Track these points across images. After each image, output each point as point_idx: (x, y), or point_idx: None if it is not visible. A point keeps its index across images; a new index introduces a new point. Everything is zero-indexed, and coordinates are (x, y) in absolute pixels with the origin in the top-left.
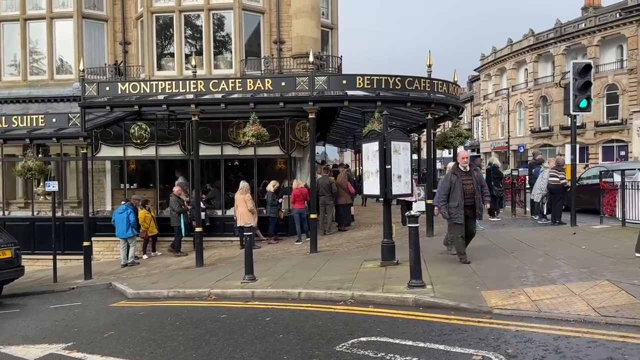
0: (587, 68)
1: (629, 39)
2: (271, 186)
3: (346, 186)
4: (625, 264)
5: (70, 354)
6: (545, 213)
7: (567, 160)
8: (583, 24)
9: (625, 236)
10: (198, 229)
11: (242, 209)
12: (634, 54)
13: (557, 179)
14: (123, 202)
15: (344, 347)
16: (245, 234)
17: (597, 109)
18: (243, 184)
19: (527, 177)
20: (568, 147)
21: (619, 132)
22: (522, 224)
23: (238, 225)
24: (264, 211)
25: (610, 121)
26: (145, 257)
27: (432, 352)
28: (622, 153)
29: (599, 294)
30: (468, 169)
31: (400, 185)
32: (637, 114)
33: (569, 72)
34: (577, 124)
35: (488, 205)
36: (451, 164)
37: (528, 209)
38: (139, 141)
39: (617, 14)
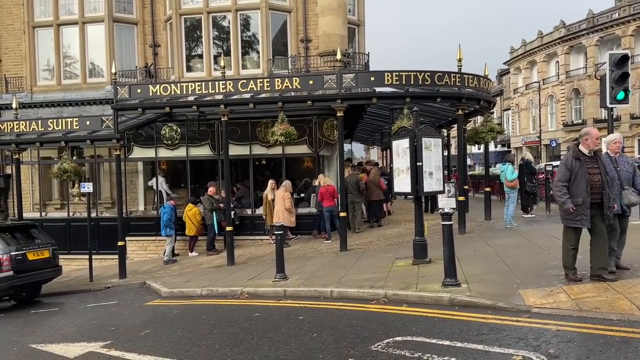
0: (624, 59)
1: None
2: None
3: (378, 183)
4: None
5: (108, 352)
6: None
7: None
8: (617, 14)
9: None
10: (229, 228)
11: (280, 206)
12: None
13: None
14: (167, 201)
15: (380, 346)
16: (275, 232)
17: (632, 101)
18: (285, 182)
19: None
20: (604, 141)
21: None
22: (557, 221)
23: (275, 221)
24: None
25: None
26: (195, 254)
27: (470, 352)
28: None
29: None
30: (593, 153)
31: (432, 182)
32: None
33: (604, 63)
34: (614, 117)
35: (616, 207)
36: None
37: None
38: (169, 142)
39: None
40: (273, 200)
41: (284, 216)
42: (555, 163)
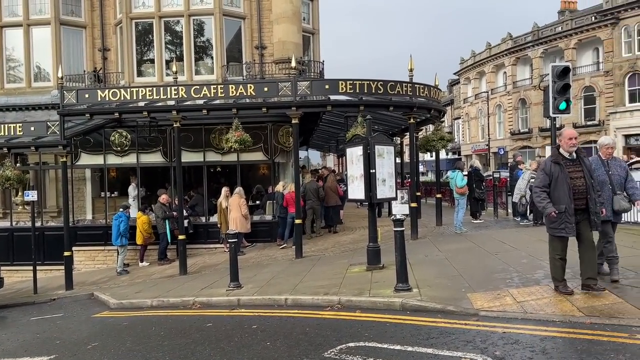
0: (565, 71)
1: (605, 41)
2: (281, 187)
3: (336, 189)
4: None
5: None
6: (527, 214)
7: None
8: (560, 27)
9: None
10: (181, 237)
11: (237, 213)
12: (609, 56)
13: None
14: (120, 209)
15: (333, 353)
16: (229, 240)
17: (574, 111)
18: (239, 189)
19: (508, 179)
20: (549, 149)
21: (596, 133)
22: (505, 226)
23: (231, 229)
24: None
25: (588, 122)
26: (145, 264)
27: (420, 356)
28: None
29: (583, 294)
30: (575, 155)
31: (385, 189)
32: (614, 115)
33: (548, 75)
34: (556, 126)
35: (604, 212)
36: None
37: (510, 211)
38: (119, 149)
39: (593, 17)
40: (227, 207)
41: (240, 223)
42: (504, 172)
